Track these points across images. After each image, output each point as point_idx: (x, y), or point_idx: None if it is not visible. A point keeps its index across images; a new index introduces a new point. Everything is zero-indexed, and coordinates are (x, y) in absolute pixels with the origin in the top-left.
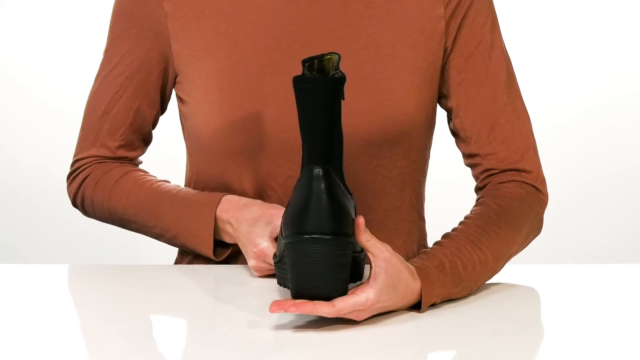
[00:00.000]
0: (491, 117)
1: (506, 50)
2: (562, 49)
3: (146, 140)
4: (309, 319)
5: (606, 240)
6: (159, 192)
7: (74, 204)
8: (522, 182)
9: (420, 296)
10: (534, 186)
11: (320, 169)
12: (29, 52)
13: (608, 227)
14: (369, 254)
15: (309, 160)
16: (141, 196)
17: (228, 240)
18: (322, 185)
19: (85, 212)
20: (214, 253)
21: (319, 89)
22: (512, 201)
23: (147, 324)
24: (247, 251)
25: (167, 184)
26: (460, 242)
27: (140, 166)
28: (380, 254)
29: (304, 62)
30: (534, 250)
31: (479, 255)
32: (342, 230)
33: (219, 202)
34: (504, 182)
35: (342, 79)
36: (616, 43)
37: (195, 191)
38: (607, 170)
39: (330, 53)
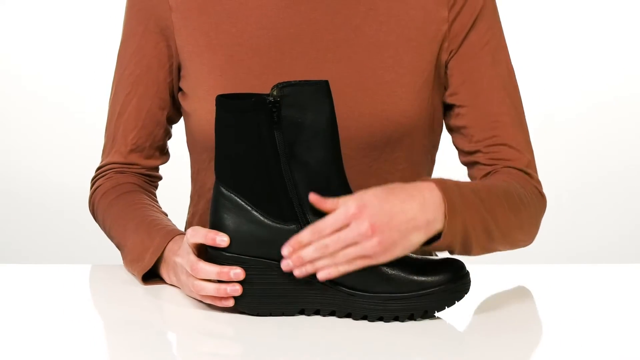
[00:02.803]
0: (493, 117)
1: (508, 51)
2: (563, 49)
3: (160, 149)
4: (310, 318)
5: (606, 240)
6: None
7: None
8: (511, 167)
9: (443, 199)
10: (521, 170)
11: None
12: (30, 52)
13: (608, 227)
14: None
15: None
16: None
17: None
18: (211, 203)
19: (96, 221)
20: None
21: (219, 109)
22: (504, 179)
23: (160, 324)
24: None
25: (154, 213)
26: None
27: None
28: (357, 193)
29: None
30: (533, 250)
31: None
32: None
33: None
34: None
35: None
36: (616, 44)
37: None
38: (607, 170)
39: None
